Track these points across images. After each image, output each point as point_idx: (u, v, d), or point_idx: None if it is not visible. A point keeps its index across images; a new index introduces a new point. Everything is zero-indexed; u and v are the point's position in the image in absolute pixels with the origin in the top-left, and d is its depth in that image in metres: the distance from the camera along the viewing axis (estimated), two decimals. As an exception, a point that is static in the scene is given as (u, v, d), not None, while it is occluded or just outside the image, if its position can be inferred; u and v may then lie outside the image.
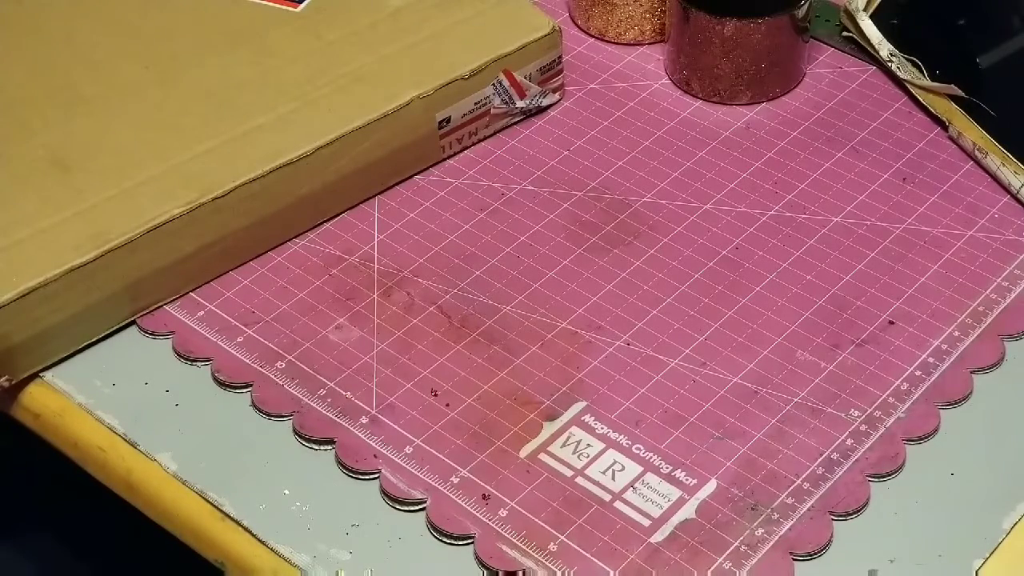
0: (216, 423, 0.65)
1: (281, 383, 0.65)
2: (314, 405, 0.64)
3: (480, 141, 0.76)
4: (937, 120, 0.77)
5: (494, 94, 0.74)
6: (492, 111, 0.75)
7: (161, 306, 0.69)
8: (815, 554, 0.59)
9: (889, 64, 0.79)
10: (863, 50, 0.81)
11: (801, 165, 0.76)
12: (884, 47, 0.80)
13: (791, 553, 0.58)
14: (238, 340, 0.67)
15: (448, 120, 0.73)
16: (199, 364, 0.67)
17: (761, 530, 0.59)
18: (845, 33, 0.82)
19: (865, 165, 0.75)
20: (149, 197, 0.67)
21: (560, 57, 0.77)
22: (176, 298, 0.69)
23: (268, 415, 0.65)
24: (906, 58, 0.79)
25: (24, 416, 0.67)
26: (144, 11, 0.77)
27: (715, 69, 0.78)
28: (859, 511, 0.60)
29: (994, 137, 0.73)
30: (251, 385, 0.66)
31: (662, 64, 0.82)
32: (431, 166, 0.75)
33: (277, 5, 0.77)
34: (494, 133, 0.77)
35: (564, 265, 0.71)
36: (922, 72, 0.78)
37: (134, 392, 0.66)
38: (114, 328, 0.68)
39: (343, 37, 0.76)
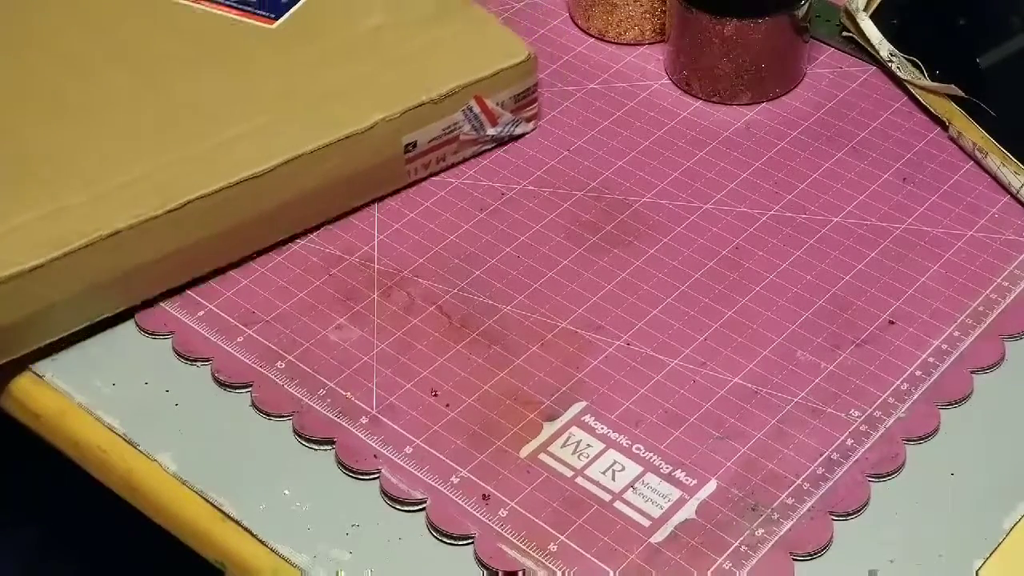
0: (216, 423, 0.65)
1: (281, 383, 0.65)
2: (314, 405, 0.64)
3: (449, 168, 0.75)
4: (937, 120, 0.77)
5: (464, 120, 0.73)
6: (461, 137, 0.74)
7: (159, 304, 0.69)
8: (815, 554, 0.59)
9: (889, 64, 0.79)
10: (863, 50, 0.81)
11: (801, 165, 0.76)
12: (884, 47, 0.80)
13: (791, 553, 0.58)
14: (238, 340, 0.67)
15: (415, 145, 0.72)
16: (199, 364, 0.67)
17: (761, 530, 0.59)
18: (845, 33, 0.82)
19: (865, 165, 0.75)
20: (115, 203, 0.67)
21: (535, 86, 0.76)
22: (147, 304, 0.69)
23: (268, 415, 0.65)
24: (906, 58, 0.79)
25: (24, 416, 0.67)
26: (122, 23, 0.77)
27: (715, 69, 0.78)
28: (859, 511, 0.60)
29: (994, 137, 0.73)
30: (251, 385, 0.66)
31: (662, 64, 0.82)
32: (399, 190, 0.74)
33: (253, 22, 0.76)
34: (463, 160, 0.75)
35: (564, 265, 0.71)
36: (922, 72, 0.78)
37: (134, 392, 0.66)
38: (75, 329, 0.67)
39: (316, 55, 0.75)
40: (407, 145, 0.72)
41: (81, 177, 0.68)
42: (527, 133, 0.77)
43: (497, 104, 0.74)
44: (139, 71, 0.74)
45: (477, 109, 0.73)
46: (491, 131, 0.74)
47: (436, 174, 0.74)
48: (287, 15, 0.77)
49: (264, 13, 0.77)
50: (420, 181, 0.74)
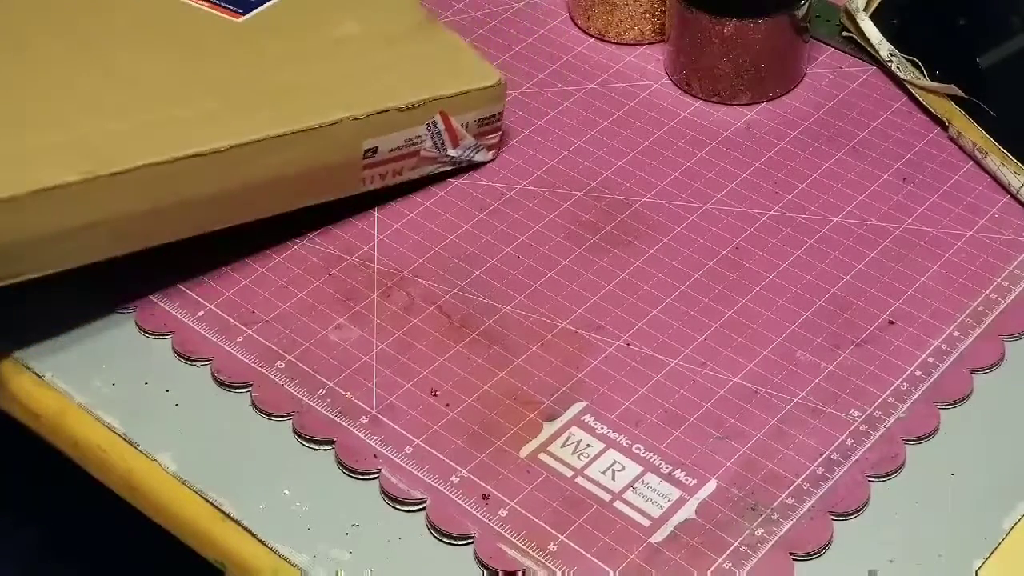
0: (216, 423, 0.65)
1: (281, 383, 0.65)
2: (314, 405, 0.64)
3: (402, 183, 0.73)
4: (937, 120, 0.77)
5: (427, 135, 0.72)
6: (422, 153, 0.72)
7: (159, 304, 0.69)
8: (815, 554, 0.59)
9: (889, 64, 0.79)
10: (863, 50, 0.81)
11: (801, 165, 0.76)
12: (884, 47, 0.80)
13: (791, 553, 0.58)
14: (238, 340, 0.67)
15: (375, 151, 0.71)
16: (199, 364, 0.67)
17: (761, 530, 0.59)
18: (845, 33, 0.82)
19: (865, 165, 0.75)
20: (46, 161, 0.65)
21: (501, 113, 0.75)
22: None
23: (268, 415, 0.65)
24: (906, 58, 0.79)
25: (24, 416, 0.67)
26: (86, 6, 0.76)
27: (715, 69, 0.78)
28: (859, 511, 0.60)
29: (994, 137, 0.73)
30: (251, 385, 0.66)
31: (662, 64, 0.82)
32: (348, 198, 0.72)
33: (219, 14, 0.76)
34: (419, 177, 0.74)
35: (564, 265, 0.71)
36: (922, 72, 0.78)
37: (134, 392, 0.66)
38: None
39: (282, 51, 0.74)
40: (367, 150, 0.71)
41: (11, 132, 0.67)
42: (486, 162, 0.75)
43: (462, 125, 0.73)
44: (84, 45, 0.73)
45: (442, 126, 0.72)
46: (452, 152, 0.73)
47: (390, 187, 0.73)
48: (255, 12, 0.76)
49: (231, 7, 0.76)
50: (372, 192, 0.72)
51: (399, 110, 0.71)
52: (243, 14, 0.76)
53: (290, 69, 0.73)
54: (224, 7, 0.76)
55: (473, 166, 0.75)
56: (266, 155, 0.68)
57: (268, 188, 0.70)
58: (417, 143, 0.72)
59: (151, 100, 0.70)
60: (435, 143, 0.72)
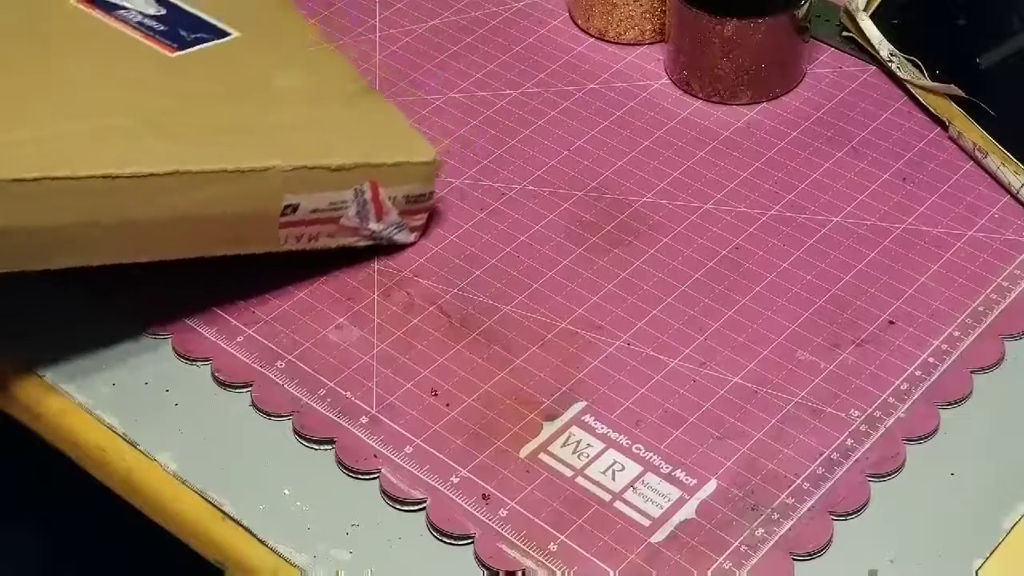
0: (216, 423, 0.65)
1: (281, 383, 0.65)
2: (314, 405, 0.64)
3: (316, 249, 0.69)
4: (937, 120, 0.77)
5: (352, 202, 0.68)
6: (342, 221, 0.68)
7: (159, 305, 0.69)
8: (815, 554, 0.59)
9: (889, 64, 0.79)
10: (863, 50, 0.81)
11: (801, 165, 0.76)
12: (884, 47, 0.80)
13: (791, 553, 0.58)
14: (238, 340, 0.67)
15: (295, 208, 0.66)
16: (199, 364, 0.67)
17: (761, 530, 0.59)
18: (845, 33, 0.82)
19: (865, 165, 0.75)
20: None
21: (432, 194, 0.71)
22: None
23: (268, 415, 0.65)
24: (906, 58, 0.79)
25: (24, 416, 0.67)
26: (21, 26, 0.72)
27: (715, 69, 0.78)
28: (859, 511, 0.60)
29: (994, 137, 0.73)
30: (251, 385, 0.66)
31: (662, 64, 0.82)
32: (262, 254, 0.68)
33: (153, 46, 0.73)
34: (336, 246, 0.70)
35: (564, 265, 0.71)
36: (922, 72, 0.78)
37: (134, 392, 0.66)
38: None
39: (213, 91, 0.71)
40: (288, 206, 0.66)
41: None
42: (406, 244, 0.72)
43: (389, 198, 0.69)
44: (15, 58, 0.69)
45: (368, 195, 0.69)
46: (373, 225, 0.69)
47: (303, 252, 0.69)
48: (191, 50, 0.73)
49: (167, 41, 0.73)
50: (285, 254, 0.69)
51: (328, 169, 0.67)
52: (178, 49, 0.73)
53: (219, 109, 0.70)
54: (160, 40, 0.73)
55: (390, 241, 0.71)
56: (184, 189, 0.64)
57: (182, 225, 0.65)
58: (340, 209, 0.68)
59: (68, 114, 0.66)
60: (359, 212, 0.68)
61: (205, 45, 0.74)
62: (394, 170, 0.70)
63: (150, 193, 0.63)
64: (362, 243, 0.70)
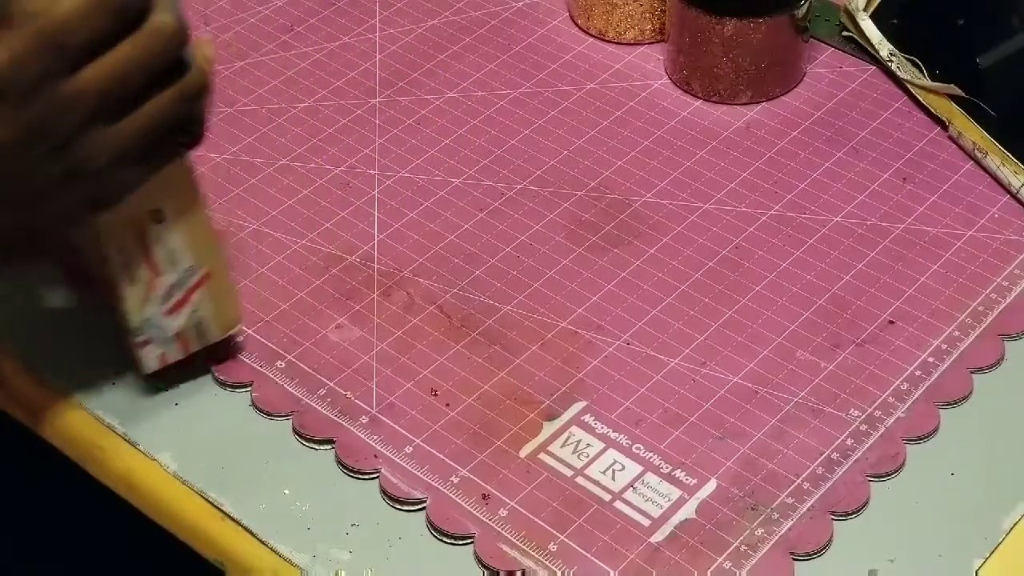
0: (216, 423, 0.65)
1: (281, 383, 0.65)
2: (314, 405, 0.64)
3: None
4: (937, 120, 0.77)
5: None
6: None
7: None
8: (815, 554, 0.59)
9: (889, 64, 0.79)
10: (863, 50, 0.81)
11: (801, 165, 0.76)
12: (884, 47, 0.80)
13: (791, 553, 0.58)
14: (238, 340, 0.67)
15: None
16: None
17: (761, 530, 0.59)
18: (845, 33, 0.82)
19: (865, 165, 0.75)
20: None
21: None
22: None
23: (268, 415, 0.65)
24: (906, 58, 0.79)
25: (24, 416, 0.67)
26: None
27: (715, 69, 0.78)
28: (859, 511, 0.60)
29: (994, 137, 0.73)
30: (251, 385, 0.66)
31: (662, 64, 0.82)
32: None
33: None
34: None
35: (564, 265, 0.71)
36: (922, 72, 0.78)
37: (134, 392, 0.66)
38: None
39: None
40: None
41: None
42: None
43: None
44: None
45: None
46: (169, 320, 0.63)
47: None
48: None
49: None
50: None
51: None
52: None
53: None
54: None
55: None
56: None
57: None
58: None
59: None
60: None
61: None
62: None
63: None
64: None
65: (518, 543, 0.59)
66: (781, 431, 0.63)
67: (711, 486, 0.61)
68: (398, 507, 0.61)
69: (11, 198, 0.54)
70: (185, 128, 0.58)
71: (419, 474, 0.62)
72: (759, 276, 0.70)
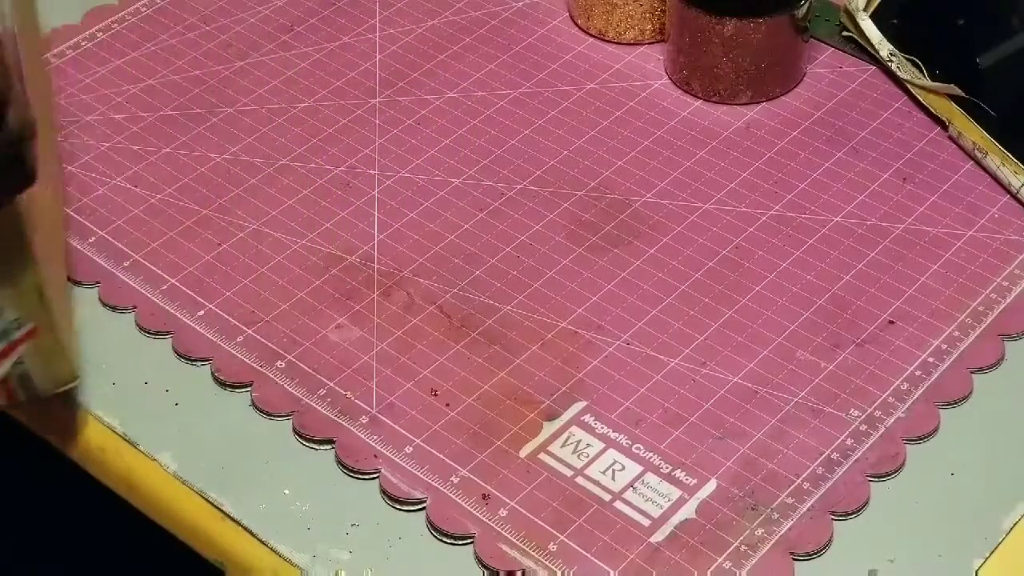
0: (216, 423, 0.65)
1: (281, 383, 0.65)
2: (314, 405, 0.64)
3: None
4: (937, 120, 0.77)
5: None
6: None
7: (159, 305, 0.69)
8: (815, 554, 0.59)
9: (889, 64, 0.79)
10: (863, 50, 0.81)
11: (801, 165, 0.76)
12: (884, 47, 0.80)
13: (791, 553, 0.58)
14: (238, 340, 0.67)
15: None
16: (199, 364, 0.67)
17: (761, 530, 0.59)
18: (845, 33, 0.82)
19: (865, 165, 0.75)
20: None
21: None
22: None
23: (268, 415, 0.65)
24: (906, 58, 0.79)
25: (24, 416, 0.67)
26: None
27: (715, 69, 0.78)
28: (859, 511, 0.60)
29: (994, 137, 0.73)
30: (251, 385, 0.66)
31: (662, 64, 0.82)
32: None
33: None
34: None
35: (564, 265, 0.71)
36: (922, 72, 0.78)
37: (134, 392, 0.66)
38: None
39: None
40: None
41: None
42: None
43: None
44: None
45: None
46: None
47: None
48: None
49: None
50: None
51: None
52: None
53: None
54: None
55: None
56: None
57: None
58: None
59: None
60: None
61: None
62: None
63: None
64: None
65: (518, 543, 0.59)
66: (781, 431, 0.63)
67: (711, 486, 0.61)
68: (398, 507, 0.61)
69: None
70: (7, 170, 0.54)
71: (419, 474, 0.62)
72: (759, 276, 0.70)
